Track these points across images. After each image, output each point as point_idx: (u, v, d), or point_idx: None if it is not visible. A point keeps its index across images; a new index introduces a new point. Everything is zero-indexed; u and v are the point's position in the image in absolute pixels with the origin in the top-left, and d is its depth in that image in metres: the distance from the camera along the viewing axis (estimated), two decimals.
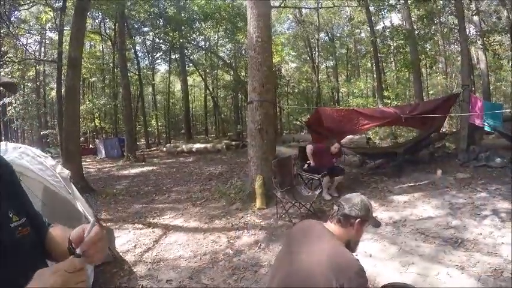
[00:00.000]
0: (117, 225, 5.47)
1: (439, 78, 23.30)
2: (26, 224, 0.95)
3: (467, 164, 7.51)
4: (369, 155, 9.16)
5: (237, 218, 5.42)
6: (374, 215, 2.01)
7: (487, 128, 8.43)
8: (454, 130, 13.62)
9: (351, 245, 1.80)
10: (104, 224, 5.32)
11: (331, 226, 1.82)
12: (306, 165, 6.50)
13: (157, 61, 28.58)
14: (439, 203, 5.25)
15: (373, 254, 3.79)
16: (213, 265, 3.85)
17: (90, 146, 23.55)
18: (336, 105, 24.19)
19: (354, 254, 1.71)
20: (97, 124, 26.12)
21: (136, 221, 5.71)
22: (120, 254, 4.17)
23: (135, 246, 4.57)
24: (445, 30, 21.68)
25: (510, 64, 15.94)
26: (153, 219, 5.85)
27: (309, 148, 6.52)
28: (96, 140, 22.55)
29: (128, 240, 4.77)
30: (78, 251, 0.80)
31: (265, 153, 6.29)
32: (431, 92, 22.15)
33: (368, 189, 6.46)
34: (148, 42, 25.32)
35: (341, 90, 27.03)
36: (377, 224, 1.96)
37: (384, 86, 18.93)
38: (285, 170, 5.84)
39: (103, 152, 18.67)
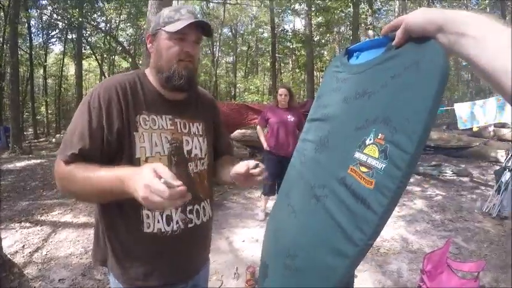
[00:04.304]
0: (3, 225, 5.12)
1: None
2: None
3: None
4: (259, 148, 9.64)
5: None
6: None
7: None
8: None
9: None
10: None
11: None
12: None
13: (52, 40, 25.70)
14: None
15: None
16: None
17: None
18: (232, 100, 25.06)
19: None
20: None
21: (24, 219, 5.40)
22: (8, 256, 4.00)
23: (23, 246, 4.40)
24: (343, 39, 23.89)
25: None
26: (41, 216, 5.60)
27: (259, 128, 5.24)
28: None
29: (15, 241, 4.55)
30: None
31: None
32: None
33: None
34: (44, 18, 22.74)
35: (238, 85, 27.85)
36: None
37: (279, 84, 20.14)
38: None
39: None
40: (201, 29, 1.26)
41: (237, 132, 9.46)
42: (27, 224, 5.20)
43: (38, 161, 11.66)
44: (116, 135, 1.18)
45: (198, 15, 1.29)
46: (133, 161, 1.19)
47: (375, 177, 0.69)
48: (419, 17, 0.69)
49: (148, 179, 0.87)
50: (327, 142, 0.95)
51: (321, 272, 0.76)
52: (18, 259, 4.03)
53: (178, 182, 0.87)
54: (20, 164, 11.06)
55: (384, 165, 0.67)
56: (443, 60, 0.64)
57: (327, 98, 1.07)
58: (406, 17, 0.72)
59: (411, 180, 7.28)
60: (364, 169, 0.72)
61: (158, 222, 1.24)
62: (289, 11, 16.58)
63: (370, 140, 0.73)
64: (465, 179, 7.49)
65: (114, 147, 1.19)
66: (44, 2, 20.66)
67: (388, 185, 0.65)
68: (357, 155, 0.76)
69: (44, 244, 4.46)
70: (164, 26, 1.23)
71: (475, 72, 0.60)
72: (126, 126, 1.20)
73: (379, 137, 0.71)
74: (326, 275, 0.74)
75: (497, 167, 6.62)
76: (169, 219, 1.25)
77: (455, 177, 7.62)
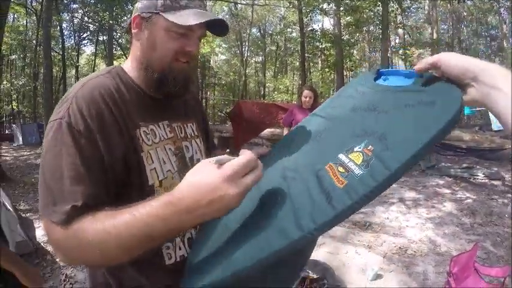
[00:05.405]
0: (37, 216, 5.35)
1: None
2: None
3: None
4: None
5: None
6: None
7: None
8: None
9: None
10: (23, 215, 5.22)
11: None
12: None
13: (84, 42, 26.57)
14: None
15: None
16: None
17: (7, 131, 21.74)
18: (261, 99, 25.25)
19: None
20: (14, 107, 24.12)
21: None
22: (42, 244, 4.20)
23: None
24: (372, 38, 23.56)
25: None
26: None
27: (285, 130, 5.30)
28: (13, 125, 20.88)
29: None
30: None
31: None
32: None
33: None
34: (76, 21, 23.64)
35: (267, 85, 27.91)
36: None
37: (308, 83, 20.04)
38: None
39: (20, 138, 17.29)
40: (206, 24, 0.96)
41: (266, 131, 9.55)
42: None
43: None
44: (122, 163, 0.88)
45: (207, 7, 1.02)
46: (145, 190, 0.90)
47: (348, 179, 0.69)
48: (456, 63, 0.72)
49: (224, 171, 0.68)
50: (319, 137, 0.97)
51: (256, 244, 0.73)
52: (51, 248, 4.21)
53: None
54: None
55: (362, 173, 0.68)
56: (455, 112, 0.66)
57: (338, 101, 1.11)
58: (442, 59, 0.74)
59: (441, 182, 7.12)
60: (341, 169, 0.73)
61: (180, 249, 1.01)
62: (317, 11, 16.45)
63: (360, 148, 0.75)
64: (497, 182, 7.21)
65: (120, 180, 0.88)
66: (75, 6, 21.53)
67: (358, 189, 0.66)
68: (341, 156, 0.77)
69: None
70: (164, 11, 0.91)
71: (502, 125, 0.65)
72: (130, 147, 0.90)
73: (368, 148, 0.73)
74: (259, 248, 0.71)
75: None
76: (191, 242, 1.03)
77: (486, 181, 7.36)
